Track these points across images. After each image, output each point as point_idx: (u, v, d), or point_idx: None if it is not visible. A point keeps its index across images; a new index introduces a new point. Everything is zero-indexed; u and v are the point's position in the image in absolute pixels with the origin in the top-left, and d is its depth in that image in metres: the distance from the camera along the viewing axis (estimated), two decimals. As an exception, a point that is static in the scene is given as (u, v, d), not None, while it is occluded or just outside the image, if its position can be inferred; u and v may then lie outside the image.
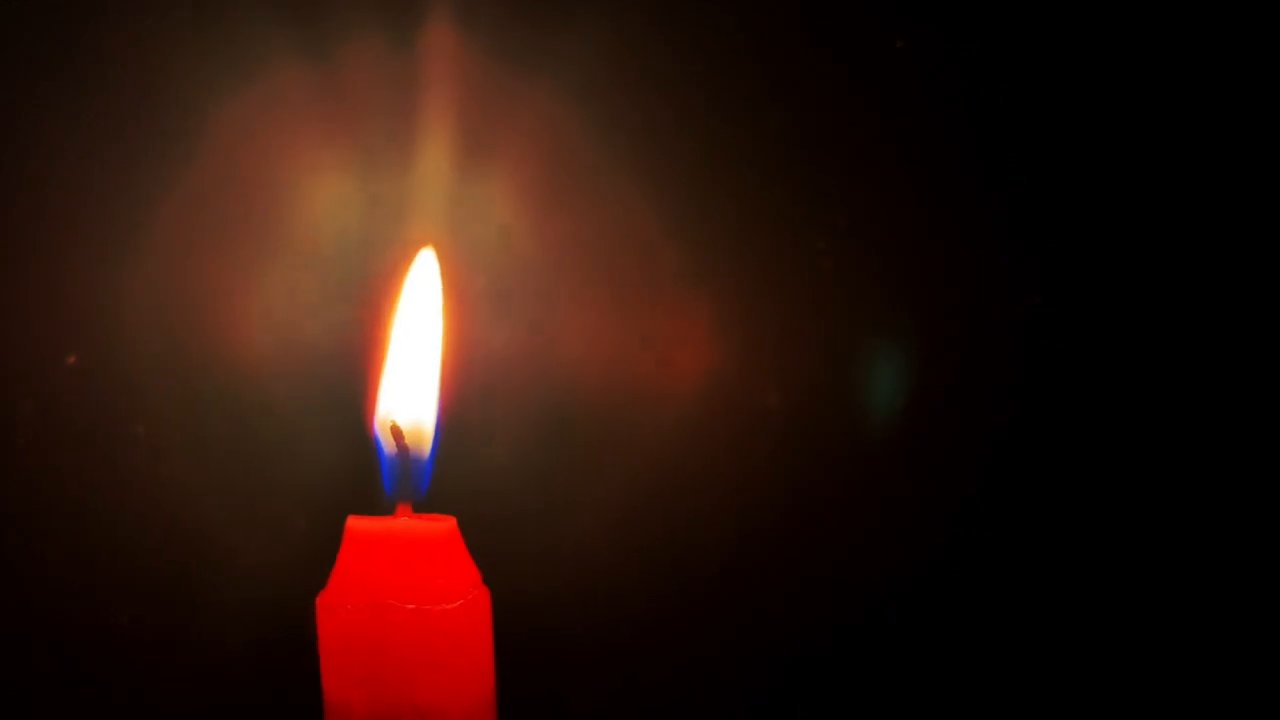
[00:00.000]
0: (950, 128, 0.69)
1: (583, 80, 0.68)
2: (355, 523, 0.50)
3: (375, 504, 0.53)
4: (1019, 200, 0.69)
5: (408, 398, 0.54)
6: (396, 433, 0.52)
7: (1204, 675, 0.71)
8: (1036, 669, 0.71)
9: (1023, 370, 0.70)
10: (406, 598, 0.49)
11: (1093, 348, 0.70)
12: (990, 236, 0.70)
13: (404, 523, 0.50)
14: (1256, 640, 0.70)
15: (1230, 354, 0.70)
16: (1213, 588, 0.70)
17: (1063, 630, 0.71)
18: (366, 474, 0.55)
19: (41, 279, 0.68)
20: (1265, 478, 0.70)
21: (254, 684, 0.70)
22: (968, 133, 0.69)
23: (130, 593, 0.70)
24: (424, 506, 0.52)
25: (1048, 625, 0.71)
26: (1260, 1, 0.68)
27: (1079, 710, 0.71)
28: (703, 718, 0.72)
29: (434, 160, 0.68)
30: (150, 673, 0.70)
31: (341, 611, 0.49)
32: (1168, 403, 0.70)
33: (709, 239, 0.70)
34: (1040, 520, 0.71)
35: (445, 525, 0.50)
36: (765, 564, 0.71)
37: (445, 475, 0.54)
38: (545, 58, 0.68)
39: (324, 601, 0.50)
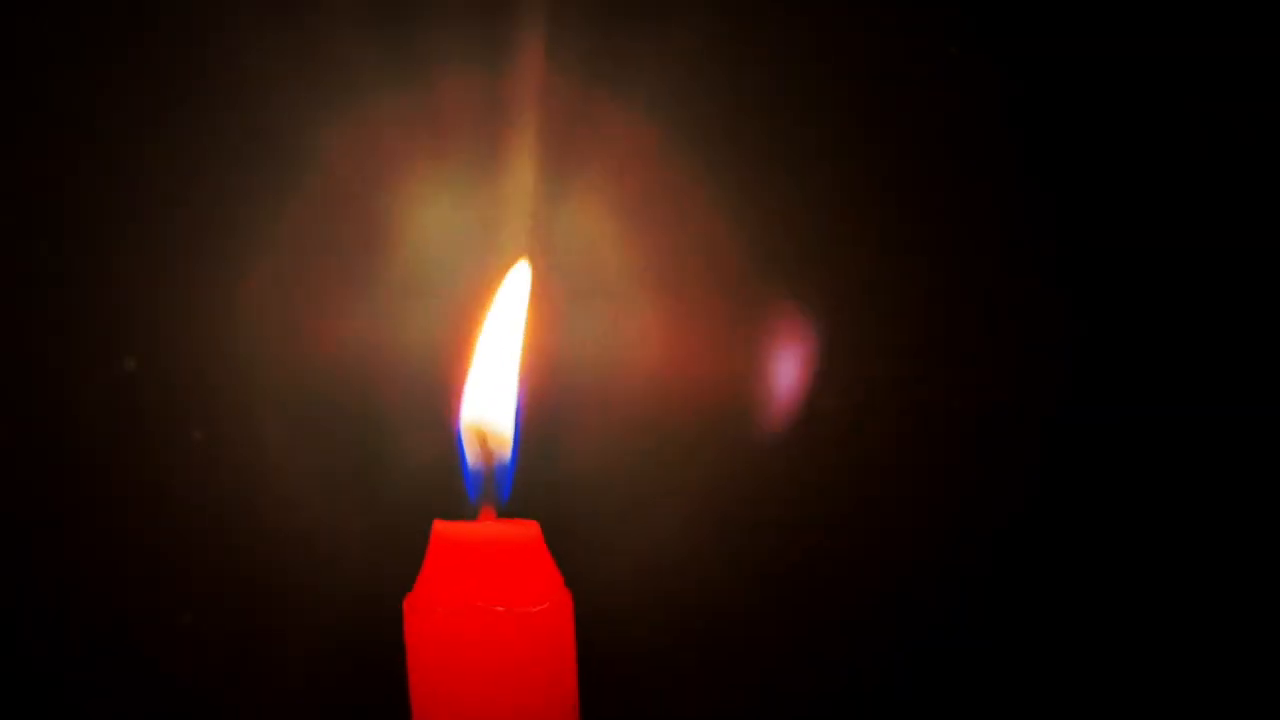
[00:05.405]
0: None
1: (671, 92, 0.69)
2: (442, 527, 0.51)
3: (458, 509, 0.53)
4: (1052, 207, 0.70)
5: (490, 405, 0.54)
6: (481, 439, 0.53)
7: (1204, 675, 0.70)
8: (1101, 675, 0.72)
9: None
10: (493, 600, 0.49)
11: (1099, 345, 0.70)
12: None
13: (489, 527, 0.51)
14: (1257, 640, 0.70)
15: (1230, 353, 0.70)
16: (1212, 589, 0.70)
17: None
18: (451, 480, 0.55)
19: (169, 282, 0.71)
20: (1265, 478, 0.70)
21: (339, 689, 0.71)
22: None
23: (217, 599, 0.71)
24: (505, 512, 0.53)
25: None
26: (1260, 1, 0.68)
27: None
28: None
29: (524, 173, 0.70)
30: (236, 680, 0.72)
31: (429, 614, 0.50)
32: (1167, 403, 0.70)
33: (794, 249, 0.71)
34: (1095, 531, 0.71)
35: (529, 529, 0.51)
36: (847, 566, 0.72)
37: (526, 481, 0.55)
38: (633, 72, 0.69)
39: (412, 604, 0.50)
